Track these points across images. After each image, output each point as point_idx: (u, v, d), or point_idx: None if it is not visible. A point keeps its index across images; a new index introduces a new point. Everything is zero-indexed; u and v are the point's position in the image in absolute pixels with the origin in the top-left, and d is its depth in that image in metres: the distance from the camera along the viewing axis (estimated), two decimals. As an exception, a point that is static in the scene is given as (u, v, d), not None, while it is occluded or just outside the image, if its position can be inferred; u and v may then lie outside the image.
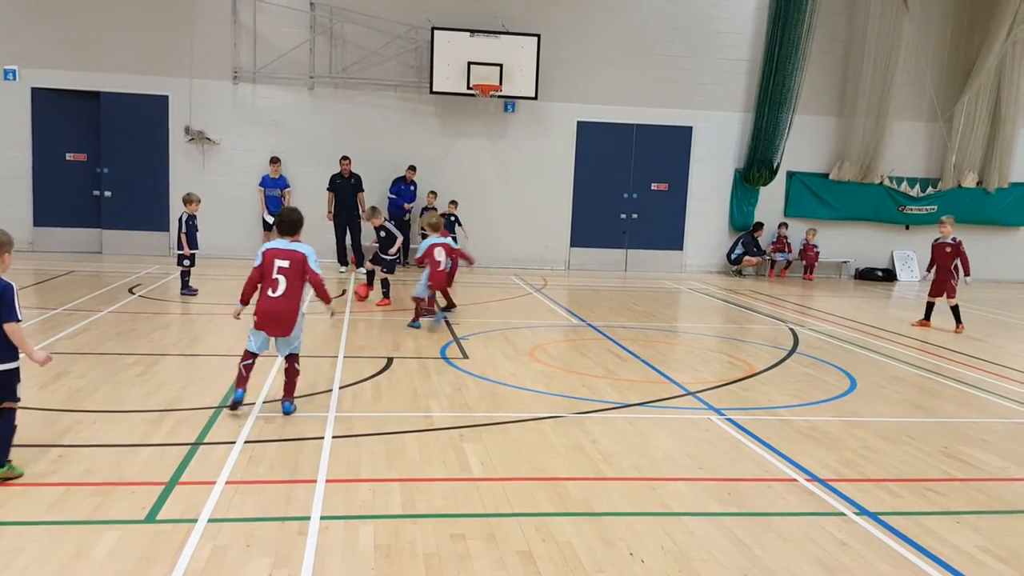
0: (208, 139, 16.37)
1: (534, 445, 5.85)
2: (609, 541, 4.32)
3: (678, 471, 5.47)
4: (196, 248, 11.94)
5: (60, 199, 16.30)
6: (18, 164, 16.02)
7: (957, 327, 11.60)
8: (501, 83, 16.26)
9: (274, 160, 16.34)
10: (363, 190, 15.93)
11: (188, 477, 4.91)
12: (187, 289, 11.84)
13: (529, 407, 6.84)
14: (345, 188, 15.77)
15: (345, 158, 15.79)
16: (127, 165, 16.35)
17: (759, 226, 18.30)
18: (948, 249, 11.79)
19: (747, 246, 18.17)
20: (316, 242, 16.56)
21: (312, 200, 16.32)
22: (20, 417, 5.90)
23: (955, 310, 11.69)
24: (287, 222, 6.53)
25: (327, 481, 4.93)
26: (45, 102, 16.03)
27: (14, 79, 15.84)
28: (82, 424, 5.86)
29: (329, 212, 15.80)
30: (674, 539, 4.38)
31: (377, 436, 5.86)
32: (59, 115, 16.13)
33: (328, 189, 15.81)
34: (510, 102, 17.11)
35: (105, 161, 16.36)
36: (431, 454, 5.54)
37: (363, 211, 15.89)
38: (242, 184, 16.47)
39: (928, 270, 12.25)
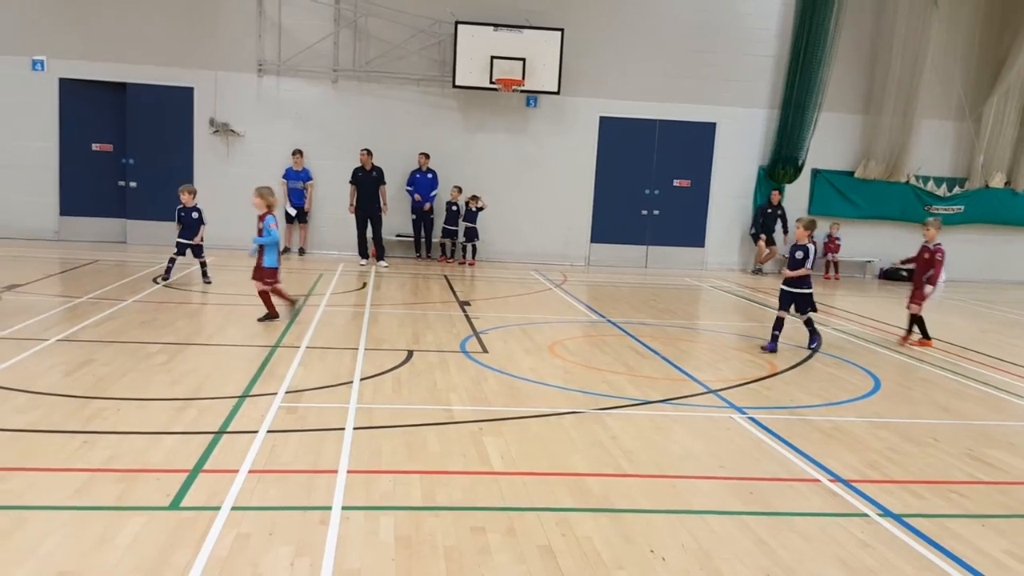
0: (232, 131, 16.46)
1: (554, 440, 5.84)
2: (630, 538, 4.30)
3: (699, 469, 5.44)
4: (184, 238, 12.19)
5: (86, 189, 16.45)
6: (45, 154, 16.18)
7: (922, 340, 10.35)
8: (524, 77, 16.23)
9: (297, 152, 16.41)
10: (385, 183, 15.93)
11: (212, 465, 4.94)
12: (206, 278, 12.16)
13: (549, 402, 6.83)
14: (367, 181, 15.78)
15: (365, 150, 15.79)
16: (152, 156, 16.47)
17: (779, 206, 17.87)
18: (926, 255, 10.49)
19: (765, 223, 17.80)
20: (340, 235, 16.73)
21: (334, 192, 16.42)
22: (46, 403, 6.00)
23: (917, 324, 10.37)
24: None
25: (348, 472, 4.95)
26: (72, 93, 16.18)
27: (42, 70, 15.99)
28: (107, 411, 5.92)
29: (351, 205, 15.83)
30: (695, 537, 4.36)
31: (398, 428, 5.87)
32: (86, 106, 16.27)
33: (350, 182, 15.85)
34: (532, 97, 17.08)
35: (131, 152, 16.50)
36: (451, 447, 5.55)
37: (385, 204, 15.93)
38: (265, 176, 16.42)
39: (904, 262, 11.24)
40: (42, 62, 15.99)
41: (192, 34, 16.15)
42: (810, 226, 9.62)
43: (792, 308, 9.60)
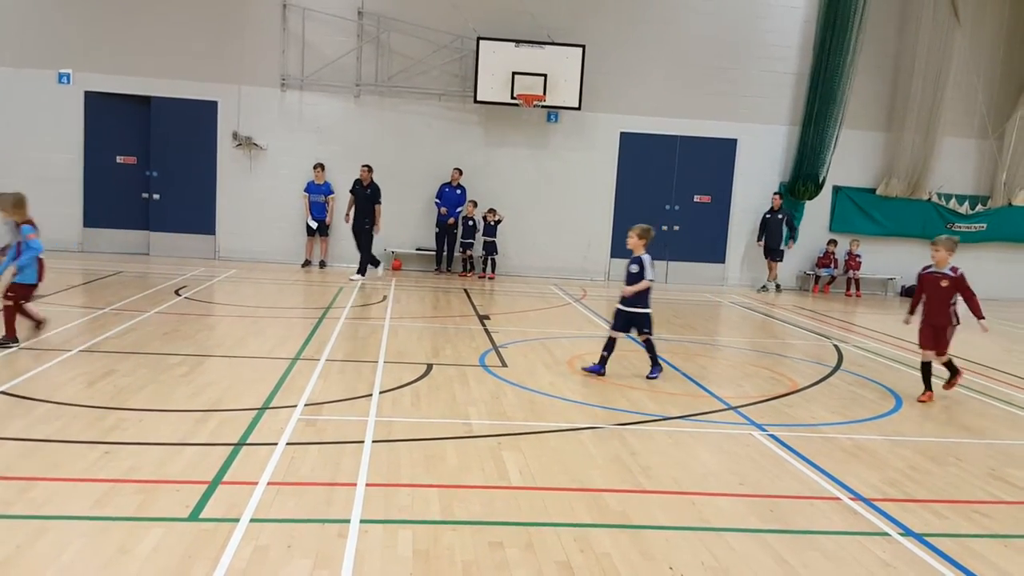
0: (255, 145, 16.60)
1: (573, 455, 5.82)
2: (648, 554, 4.28)
3: (719, 486, 5.41)
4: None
5: (109, 201, 16.63)
6: (70, 166, 16.39)
7: (951, 380, 8.44)
8: (545, 93, 16.28)
9: (319, 166, 16.52)
10: (380, 202, 15.42)
11: (231, 477, 4.96)
12: None
13: (567, 417, 6.82)
14: (361, 196, 15.41)
15: (366, 166, 15.50)
16: (175, 169, 16.66)
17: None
18: (944, 283, 8.10)
19: (769, 231, 17.58)
20: (349, 247, 16.68)
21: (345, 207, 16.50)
22: (68, 414, 6.05)
23: (948, 366, 8.37)
24: None
25: (367, 485, 4.95)
26: (97, 106, 16.40)
27: (68, 83, 16.22)
28: (127, 422, 5.96)
29: (347, 215, 15.66)
30: (715, 554, 4.33)
31: (416, 442, 5.87)
32: (111, 119, 16.48)
33: (350, 191, 15.57)
34: (553, 112, 17.13)
35: (154, 164, 16.69)
36: (470, 461, 5.54)
37: (377, 223, 15.48)
38: (287, 189, 16.69)
39: (911, 311, 8.48)
40: (68, 75, 16.22)
41: (216, 49, 16.34)
42: (644, 235, 8.41)
43: (632, 330, 8.53)
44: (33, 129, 16.20)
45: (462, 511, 4.69)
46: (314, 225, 16.63)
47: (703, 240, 18.18)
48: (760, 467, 5.82)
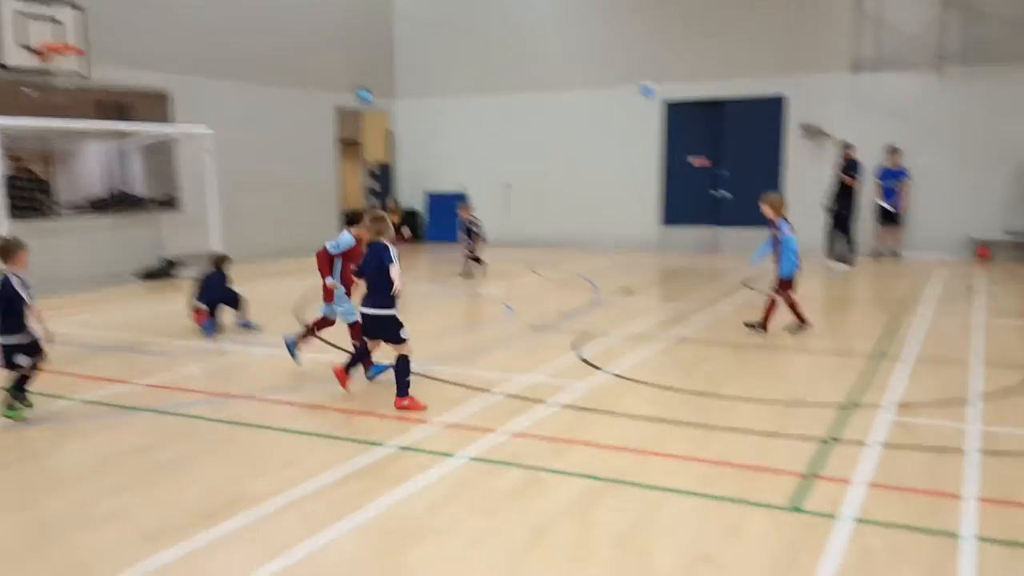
0: (823, 133, 16.31)
1: None
2: None
3: None
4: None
5: (683, 200, 17.86)
6: (649, 170, 18.02)
7: None
8: None
9: (892, 150, 15.58)
10: (853, 177, 14.79)
11: (826, 472, 4.94)
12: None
13: None
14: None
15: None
16: (743, 166, 17.20)
17: None
18: None
19: None
20: (937, 235, 15.28)
21: (927, 190, 15.27)
22: (670, 397, 6.63)
23: None
24: None
25: (979, 499, 4.51)
26: (675, 114, 17.75)
27: (652, 94, 17.80)
28: (721, 408, 6.31)
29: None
30: None
31: (1031, 457, 5.19)
32: (686, 124, 17.69)
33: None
34: None
35: (724, 164, 17.45)
36: (1107, 487, 4.71)
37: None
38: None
39: None
40: (651, 87, 17.79)
41: (783, 42, 16.45)
42: None
43: None
44: (620, 138, 18.16)
45: (1102, 545, 4.00)
46: (892, 209, 15.72)
47: None
48: None
